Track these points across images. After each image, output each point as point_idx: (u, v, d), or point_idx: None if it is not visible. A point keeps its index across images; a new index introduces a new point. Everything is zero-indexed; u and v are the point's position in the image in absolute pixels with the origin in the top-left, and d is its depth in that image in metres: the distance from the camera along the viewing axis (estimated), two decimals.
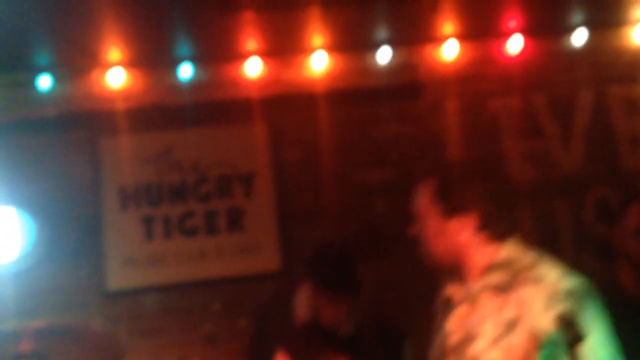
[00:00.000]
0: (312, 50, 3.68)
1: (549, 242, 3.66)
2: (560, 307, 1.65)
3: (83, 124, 3.54)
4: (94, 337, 2.21)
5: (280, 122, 3.70)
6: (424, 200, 1.91)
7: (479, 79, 3.84)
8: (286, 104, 3.71)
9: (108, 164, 3.53)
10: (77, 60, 3.43)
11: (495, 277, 1.80)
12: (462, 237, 1.84)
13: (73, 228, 3.47)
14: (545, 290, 1.70)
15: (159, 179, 3.55)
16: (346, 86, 3.75)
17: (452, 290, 1.92)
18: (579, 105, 3.87)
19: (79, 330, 2.29)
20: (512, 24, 3.80)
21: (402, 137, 3.77)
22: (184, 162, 3.59)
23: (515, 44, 3.80)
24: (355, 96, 3.76)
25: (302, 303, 2.67)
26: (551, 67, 3.87)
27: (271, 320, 2.91)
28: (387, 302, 3.43)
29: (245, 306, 3.48)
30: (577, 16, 3.82)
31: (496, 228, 1.85)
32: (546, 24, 3.83)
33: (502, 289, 1.76)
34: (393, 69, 3.77)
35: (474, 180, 1.91)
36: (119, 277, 3.43)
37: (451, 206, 1.85)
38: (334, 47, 3.70)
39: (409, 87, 3.82)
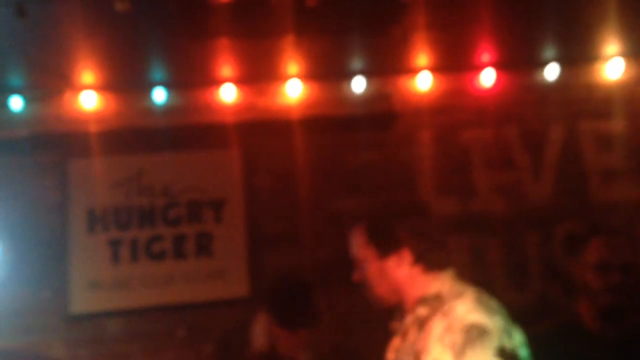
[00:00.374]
0: (287, 78, 3.70)
1: (518, 273, 3.69)
2: (450, 338, 1.73)
3: (54, 146, 3.53)
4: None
5: (253, 148, 3.71)
6: (358, 245, 1.99)
7: (452, 111, 3.87)
8: (260, 131, 3.72)
9: (77, 186, 3.52)
10: (50, 82, 3.43)
11: (421, 311, 1.88)
12: (399, 273, 1.92)
13: (39, 250, 3.45)
14: (447, 323, 1.78)
15: (128, 202, 3.54)
16: (320, 114, 3.77)
17: (395, 323, 1.99)
18: (550, 139, 3.90)
19: (32, 355, 2.25)
20: (486, 57, 3.84)
21: (374, 166, 3.78)
22: (155, 186, 3.58)
23: (488, 77, 3.85)
24: (329, 124, 3.78)
25: (259, 333, 2.67)
26: (523, 101, 3.91)
27: (232, 348, 2.90)
28: (357, 330, 3.42)
29: (210, 332, 3.45)
30: (549, 51, 3.87)
31: (430, 260, 1.92)
32: (519, 58, 3.88)
33: (422, 323, 1.84)
34: (367, 98, 3.80)
35: (402, 217, 1.96)
36: (83, 301, 3.40)
37: (384, 246, 1.93)
38: (308, 76, 3.73)
39: (383, 116, 3.84)
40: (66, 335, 3.37)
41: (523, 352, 1.79)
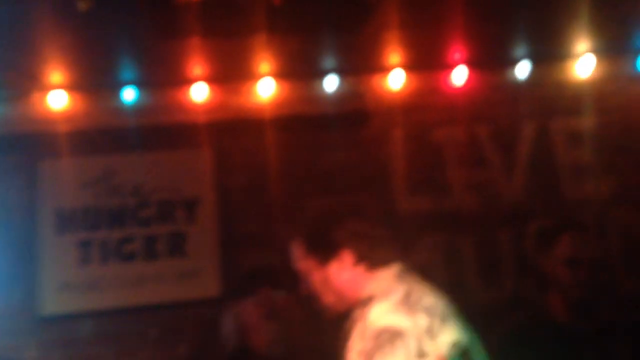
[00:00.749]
0: (259, 76, 3.69)
1: (490, 270, 3.71)
2: (361, 345, 1.72)
3: (22, 146, 3.48)
4: None
5: (226, 148, 3.69)
6: (298, 258, 1.97)
7: (425, 109, 3.88)
8: (232, 130, 3.70)
9: (45, 187, 3.47)
10: (18, 82, 3.39)
11: (355, 315, 1.86)
12: (342, 277, 1.89)
13: (7, 252, 3.40)
14: (361, 328, 1.76)
15: (98, 203, 3.50)
16: (293, 113, 3.75)
17: (347, 323, 1.94)
18: (522, 137, 3.92)
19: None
20: (457, 56, 3.86)
21: (348, 165, 3.78)
22: (125, 186, 3.55)
23: (460, 76, 3.86)
24: (302, 123, 3.76)
25: (229, 329, 2.69)
26: (495, 99, 3.92)
27: (206, 348, 2.92)
28: (329, 331, 3.41)
29: (183, 332, 3.44)
30: (520, 49, 3.90)
31: (372, 258, 1.89)
32: (490, 56, 3.91)
33: (350, 328, 1.83)
34: (340, 97, 3.79)
35: (339, 221, 1.92)
36: (53, 302, 3.36)
37: (323, 253, 1.90)
38: (281, 74, 3.72)
39: (356, 115, 3.84)
40: (37, 337, 3.33)
41: (451, 352, 1.73)
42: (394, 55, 3.81)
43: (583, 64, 3.89)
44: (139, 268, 3.47)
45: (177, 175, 3.62)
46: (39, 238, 3.42)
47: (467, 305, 3.54)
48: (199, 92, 3.63)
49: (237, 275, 3.47)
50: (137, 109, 3.57)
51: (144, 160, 3.59)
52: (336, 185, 3.75)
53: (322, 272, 1.91)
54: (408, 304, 1.77)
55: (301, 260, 1.96)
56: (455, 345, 1.75)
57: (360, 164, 3.78)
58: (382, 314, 1.75)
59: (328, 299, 1.94)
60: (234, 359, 2.71)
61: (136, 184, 3.56)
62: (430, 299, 1.83)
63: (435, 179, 3.83)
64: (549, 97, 3.96)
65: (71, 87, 3.49)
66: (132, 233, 3.51)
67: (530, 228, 3.78)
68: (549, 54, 3.92)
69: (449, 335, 1.76)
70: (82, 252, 3.44)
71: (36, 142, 3.48)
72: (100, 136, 3.53)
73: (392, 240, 1.97)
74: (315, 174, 3.76)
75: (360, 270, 1.89)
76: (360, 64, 3.81)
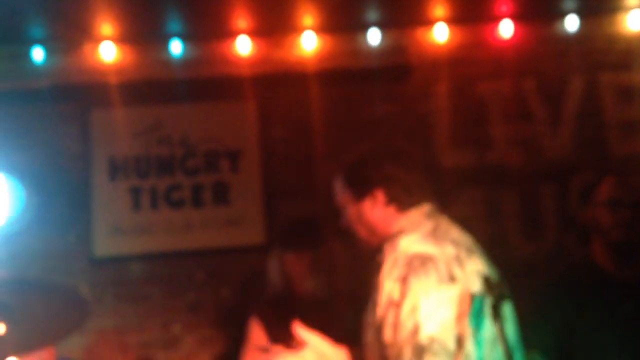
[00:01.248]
0: (303, 30, 3.73)
1: (532, 224, 3.70)
2: (396, 272, 1.79)
3: (75, 96, 3.65)
4: (61, 292, 2.26)
5: (269, 100, 3.78)
6: (338, 192, 2.09)
7: (469, 63, 3.86)
8: (275, 83, 3.77)
9: (98, 135, 3.64)
10: (71, 34, 3.53)
11: (385, 248, 1.95)
12: (374, 214, 2.00)
13: (63, 196, 3.59)
14: (394, 257, 1.85)
15: (148, 152, 3.65)
16: (336, 66, 3.79)
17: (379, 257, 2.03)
18: (569, 91, 3.87)
19: (44, 284, 2.34)
20: (504, 8, 3.80)
21: (389, 118, 3.81)
22: (173, 137, 3.68)
23: (506, 29, 3.82)
24: (344, 76, 3.81)
25: (273, 272, 2.79)
26: (542, 53, 3.87)
27: (250, 292, 3.03)
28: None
29: (227, 277, 3.58)
30: (569, 2, 3.81)
31: (403, 200, 1.98)
32: (538, 9, 3.84)
33: (382, 261, 1.92)
34: (383, 50, 3.81)
35: (378, 162, 2.02)
36: (105, 245, 3.54)
37: (359, 189, 2.02)
38: (324, 28, 3.75)
39: (399, 68, 3.85)
40: (90, 278, 3.52)
41: (477, 282, 1.78)
42: (439, 8, 3.77)
43: (634, 17, 3.78)
44: (187, 214, 3.62)
45: (222, 126, 3.73)
46: (92, 184, 3.60)
47: (508, 257, 3.57)
48: (244, 46, 3.70)
49: (280, 224, 3.59)
50: (184, 62, 3.68)
51: (191, 112, 3.71)
52: (377, 139, 3.78)
53: (356, 207, 2.03)
54: (435, 235, 1.87)
55: (340, 194, 2.09)
56: (481, 275, 1.81)
57: (402, 117, 3.81)
58: (411, 243, 1.86)
59: (361, 232, 2.06)
60: (279, 305, 2.80)
61: (183, 134, 3.69)
62: (456, 232, 1.93)
63: (479, 133, 3.83)
64: (598, 50, 3.88)
65: (121, 39, 3.61)
66: (179, 181, 3.65)
67: (574, 182, 3.78)
68: (599, 7, 3.83)
69: (476, 265, 1.83)
70: (133, 198, 3.61)
71: (89, 93, 3.64)
72: (149, 88, 3.66)
73: (425, 185, 2.04)
74: (356, 127, 3.80)
75: (391, 210, 1.99)
76: (404, 17, 3.80)
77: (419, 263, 1.78)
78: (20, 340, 1.88)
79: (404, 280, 1.77)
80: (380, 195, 1.98)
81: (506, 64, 3.86)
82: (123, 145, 3.63)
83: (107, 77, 3.61)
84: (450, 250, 1.81)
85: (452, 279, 1.75)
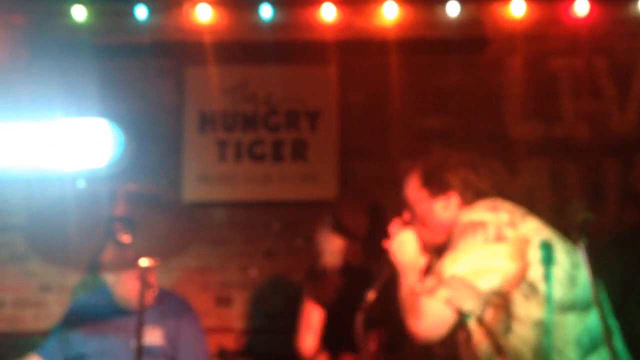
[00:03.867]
0: None
1: (594, 196, 3.84)
2: (452, 241, 2.06)
3: (172, 53, 3.96)
4: (179, 207, 2.43)
5: (349, 65, 3.99)
6: (413, 187, 2.22)
7: (544, 38, 3.98)
8: (356, 49, 3.98)
9: (191, 90, 3.94)
10: None
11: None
12: (445, 215, 2.15)
13: (156, 145, 3.91)
14: (454, 231, 2.10)
15: (235, 108, 3.93)
16: (415, 36, 3.96)
17: None
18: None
19: (165, 199, 2.51)
20: None
21: (463, 88, 3.98)
22: (258, 95, 3.95)
23: (582, 7, 3.91)
24: (422, 46, 3.99)
25: (327, 248, 2.83)
26: (616, 33, 3.96)
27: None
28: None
29: (301, 228, 3.83)
30: None
31: (473, 203, 2.14)
32: None
33: None
34: (461, 22, 3.95)
35: (454, 164, 2.18)
36: (193, 191, 3.85)
37: (435, 189, 2.16)
38: None
39: (475, 41, 4.00)
40: None
41: (534, 237, 1.99)
42: None
43: None
44: (267, 168, 3.90)
45: (304, 88, 3.97)
46: (183, 135, 3.92)
47: (569, 226, 3.73)
48: (329, 12, 3.91)
49: (352, 182, 3.82)
50: (272, 25, 3.92)
51: (276, 73, 3.95)
52: (450, 107, 3.98)
53: (428, 204, 2.17)
54: (487, 206, 2.09)
55: (414, 190, 2.22)
56: (538, 231, 2.02)
57: (475, 87, 3.98)
58: (467, 214, 2.09)
59: (428, 228, 2.19)
60: (328, 277, 2.84)
61: (267, 93, 3.96)
62: (510, 205, 2.11)
63: (548, 107, 3.97)
64: None
65: (216, 1, 3.87)
66: (262, 137, 3.93)
67: (638, 159, 3.90)
68: None
69: (531, 224, 2.04)
70: (219, 150, 3.90)
71: (185, 50, 3.94)
72: (239, 48, 3.93)
73: (495, 192, 2.20)
74: (430, 95, 4.00)
75: (460, 212, 2.15)
76: None
77: (470, 228, 2.01)
78: (141, 252, 2.15)
79: (453, 245, 2.02)
80: (454, 198, 2.14)
81: (579, 42, 3.97)
82: (213, 101, 3.91)
83: (202, 37, 3.88)
84: (504, 216, 2.02)
85: (500, 238, 1.96)
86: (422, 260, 2.18)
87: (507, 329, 1.97)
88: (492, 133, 3.94)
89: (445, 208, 2.14)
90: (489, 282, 1.93)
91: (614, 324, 2.04)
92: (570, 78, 3.99)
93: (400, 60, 3.96)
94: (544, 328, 1.93)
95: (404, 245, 2.19)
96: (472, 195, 2.13)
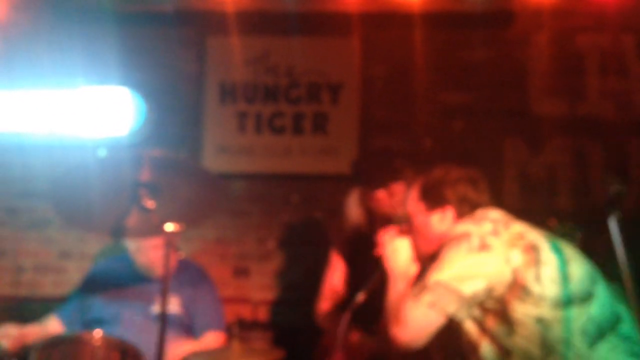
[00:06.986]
0: None
1: (617, 175, 3.79)
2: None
3: (194, 22, 3.93)
4: (203, 174, 2.45)
5: (372, 38, 3.95)
6: (411, 199, 2.33)
7: (571, 14, 3.92)
8: (380, 22, 3.94)
9: (212, 61, 3.92)
10: None
11: None
12: (441, 226, 2.25)
13: (177, 114, 3.91)
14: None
15: (256, 79, 3.91)
16: (440, 9, 3.90)
17: None
18: None
19: (190, 165, 2.53)
20: None
21: (488, 63, 3.93)
22: (280, 67, 3.92)
23: None
24: (447, 20, 3.93)
25: (354, 207, 2.97)
26: None
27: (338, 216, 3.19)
28: None
29: (320, 201, 3.84)
30: None
31: (468, 216, 2.22)
32: None
33: None
34: None
35: (453, 179, 2.27)
36: (213, 162, 3.84)
37: (432, 202, 2.26)
38: None
39: (501, 15, 3.94)
40: None
41: (520, 243, 2.06)
42: None
43: None
44: (287, 140, 3.88)
45: (326, 60, 3.94)
46: (204, 105, 3.90)
47: (590, 203, 3.71)
48: None
49: (364, 162, 3.79)
50: None
51: (298, 44, 3.92)
52: (473, 82, 3.94)
53: (425, 217, 2.27)
54: (474, 218, 2.18)
55: (413, 202, 2.32)
56: (523, 236, 2.09)
57: (499, 63, 3.93)
58: (456, 227, 2.19)
59: (423, 239, 2.29)
60: (358, 243, 2.95)
61: (289, 65, 3.93)
62: (495, 213, 2.20)
63: (573, 84, 3.91)
64: None
65: None
66: (282, 109, 3.90)
67: None
68: None
69: (516, 230, 2.12)
70: (239, 121, 3.89)
71: (206, 20, 3.91)
72: (261, 19, 3.89)
73: (492, 205, 2.27)
74: (454, 69, 3.95)
75: (455, 225, 2.24)
76: None
77: (454, 239, 2.10)
78: (165, 218, 2.16)
79: (439, 256, 2.10)
80: (450, 212, 2.24)
81: (607, 19, 3.89)
82: (234, 72, 3.89)
83: (224, 6, 3.84)
84: (487, 227, 2.10)
85: (484, 247, 2.04)
86: (413, 269, 2.28)
87: (510, 331, 2.03)
88: (515, 110, 3.89)
89: (441, 221, 2.24)
90: (473, 286, 2.01)
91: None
92: (596, 55, 3.93)
93: (424, 34, 3.91)
94: (545, 323, 2.00)
95: (398, 252, 2.29)
96: (468, 209, 2.22)
